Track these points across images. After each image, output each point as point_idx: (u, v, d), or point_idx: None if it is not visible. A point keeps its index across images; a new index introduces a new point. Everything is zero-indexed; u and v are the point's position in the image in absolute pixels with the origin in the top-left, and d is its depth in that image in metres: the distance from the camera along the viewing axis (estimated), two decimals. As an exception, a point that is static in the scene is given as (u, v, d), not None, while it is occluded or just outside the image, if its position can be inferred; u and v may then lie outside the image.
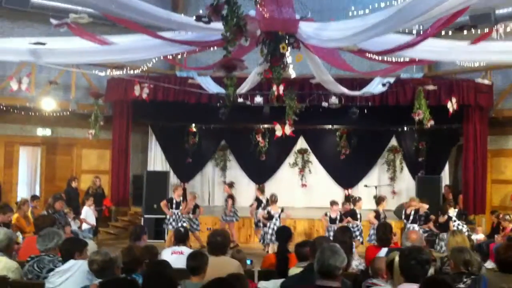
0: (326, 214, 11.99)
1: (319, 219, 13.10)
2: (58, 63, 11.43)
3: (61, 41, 8.56)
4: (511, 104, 13.92)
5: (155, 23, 7.30)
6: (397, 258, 4.34)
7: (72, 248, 5.19)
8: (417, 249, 4.08)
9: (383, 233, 6.40)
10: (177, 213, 12.45)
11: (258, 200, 13.11)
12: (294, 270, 5.40)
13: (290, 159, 17.60)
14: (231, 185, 14.15)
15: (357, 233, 11.58)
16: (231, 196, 13.60)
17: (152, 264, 4.95)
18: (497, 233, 11.43)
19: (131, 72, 13.52)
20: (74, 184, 13.67)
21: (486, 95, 13.64)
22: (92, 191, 13.71)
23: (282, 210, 12.18)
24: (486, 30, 7.68)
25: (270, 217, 12.04)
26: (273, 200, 12.31)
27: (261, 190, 13.39)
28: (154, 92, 13.57)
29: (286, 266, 6.15)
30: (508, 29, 7.35)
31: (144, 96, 13.19)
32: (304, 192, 17.24)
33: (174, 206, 12.52)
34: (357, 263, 6.28)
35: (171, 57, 10.28)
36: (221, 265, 5.18)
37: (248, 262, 6.68)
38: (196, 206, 12.91)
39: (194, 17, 5.74)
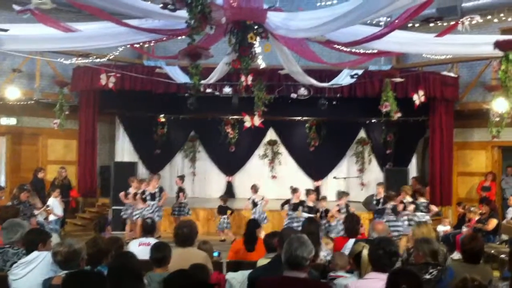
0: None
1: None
2: (22, 50, 11.16)
3: (24, 28, 8.34)
4: (476, 97, 14.16)
5: (121, 10, 7.15)
6: (365, 250, 4.36)
7: (35, 239, 5.10)
8: (386, 240, 4.12)
9: (350, 224, 6.43)
10: (153, 205, 12.37)
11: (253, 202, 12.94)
12: (262, 261, 5.39)
13: (260, 150, 17.62)
14: (182, 178, 14.01)
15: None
16: (181, 190, 13.52)
17: (117, 256, 4.87)
18: (463, 224, 11.64)
19: (97, 60, 13.32)
20: (40, 175, 13.42)
21: (452, 88, 13.86)
22: (58, 182, 13.47)
23: (262, 198, 12.79)
24: (452, 22, 7.75)
25: (254, 204, 12.63)
26: (255, 189, 12.94)
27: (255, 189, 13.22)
28: (121, 81, 13.37)
29: (254, 243, 6.23)
30: (474, 22, 7.44)
31: (111, 85, 13.00)
32: (274, 183, 17.27)
33: (148, 197, 12.44)
34: (325, 254, 6.30)
35: (138, 45, 10.13)
36: (188, 257, 5.15)
37: (216, 254, 6.66)
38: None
39: (161, 4, 5.63)
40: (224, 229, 12.87)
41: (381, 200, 11.85)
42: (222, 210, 13.06)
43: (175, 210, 13.30)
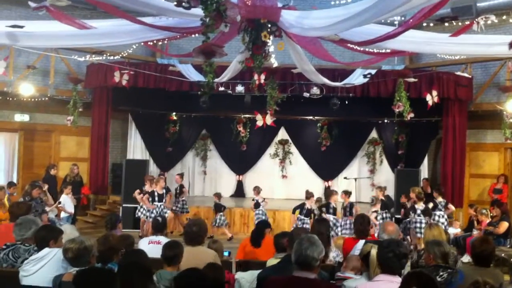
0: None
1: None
2: (37, 47, 11.23)
3: (39, 25, 8.40)
4: (490, 98, 14.03)
5: (135, 7, 7.17)
6: (373, 251, 4.33)
7: (47, 236, 5.11)
8: (396, 242, 4.08)
9: (361, 225, 6.39)
10: (160, 206, 12.37)
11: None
12: (272, 261, 5.39)
13: (271, 149, 17.59)
14: (181, 175, 14.00)
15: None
16: (183, 187, 13.55)
17: (127, 253, 4.89)
18: (474, 227, 11.54)
19: (111, 58, 13.37)
20: (53, 172, 13.46)
21: (466, 89, 13.73)
22: (70, 179, 13.50)
23: (263, 200, 12.79)
24: (467, 22, 7.68)
25: (257, 205, 12.60)
26: (258, 191, 12.89)
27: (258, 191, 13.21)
28: (135, 79, 13.44)
29: (260, 238, 6.23)
30: (489, 22, 7.36)
31: (124, 82, 13.08)
32: (284, 183, 17.25)
33: (157, 198, 12.44)
34: (334, 255, 6.28)
35: (152, 43, 10.15)
36: (197, 255, 5.15)
37: (226, 253, 6.66)
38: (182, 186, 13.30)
39: (175, 2, 5.63)
40: (221, 226, 12.92)
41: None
42: (217, 207, 13.09)
43: (177, 208, 13.31)
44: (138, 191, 12.64)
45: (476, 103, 14.23)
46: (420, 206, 11.23)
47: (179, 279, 3.70)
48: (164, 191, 12.62)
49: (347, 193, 11.95)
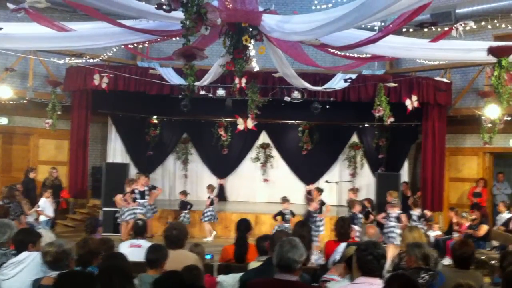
0: None
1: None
2: (15, 49, 11.10)
3: (18, 27, 8.30)
4: (469, 103, 14.21)
5: (115, 10, 7.12)
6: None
7: (25, 239, 5.06)
8: (373, 244, 4.10)
9: (342, 228, 6.41)
10: (144, 203, 12.32)
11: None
12: (254, 264, 5.39)
13: (252, 153, 17.60)
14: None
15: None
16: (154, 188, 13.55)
17: (107, 257, 4.84)
18: (453, 230, 11.66)
19: (91, 60, 13.27)
20: (32, 175, 13.36)
21: (445, 94, 13.90)
22: (49, 182, 13.41)
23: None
24: (446, 28, 7.77)
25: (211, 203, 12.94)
26: (212, 189, 13.68)
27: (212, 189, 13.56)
28: (115, 82, 13.37)
29: (244, 254, 6.15)
30: (468, 28, 7.46)
31: (104, 85, 12.99)
32: (266, 187, 17.26)
33: (138, 196, 12.38)
34: (316, 258, 6.29)
35: (132, 46, 10.11)
36: (178, 258, 5.11)
37: (209, 256, 6.63)
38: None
39: (155, 5, 5.61)
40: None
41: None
42: (183, 206, 13.19)
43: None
44: (120, 196, 12.52)
45: (455, 108, 14.40)
46: (416, 212, 11.26)
47: (158, 282, 3.68)
48: (146, 188, 12.54)
49: (319, 190, 11.95)
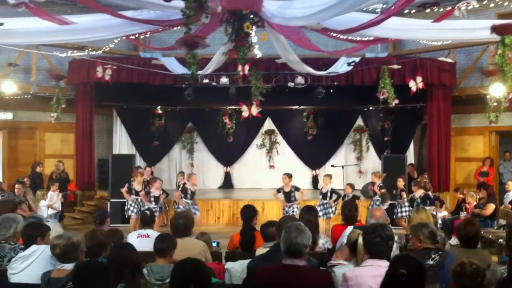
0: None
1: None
2: (17, 44, 11.11)
3: (19, 21, 8.30)
4: (473, 83, 14.13)
5: (115, 1, 7.12)
6: (360, 238, 4.35)
7: (33, 233, 5.08)
8: (381, 226, 4.10)
9: (349, 211, 6.41)
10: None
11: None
12: (261, 250, 5.40)
13: (258, 140, 17.61)
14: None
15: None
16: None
17: (116, 248, 4.87)
18: (461, 210, 11.65)
19: (93, 53, 13.26)
20: (39, 169, 13.43)
21: (449, 74, 13.83)
22: (55, 175, 13.44)
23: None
24: (449, 8, 7.71)
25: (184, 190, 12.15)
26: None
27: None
28: (118, 73, 13.35)
29: (252, 243, 6.16)
30: (470, 7, 7.40)
31: (107, 77, 12.99)
32: (272, 173, 17.26)
33: (153, 199, 12.18)
34: (323, 242, 6.30)
35: (134, 37, 10.09)
36: (186, 246, 5.16)
37: (215, 244, 6.66)
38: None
39: (155, -5, 5.61)
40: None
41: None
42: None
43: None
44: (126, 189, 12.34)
45: (459, 88, 14.33)
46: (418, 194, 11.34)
47: (177, 270, 3.68)
48: (161, 192, 12.27)
49: (290, 176, 11.81)
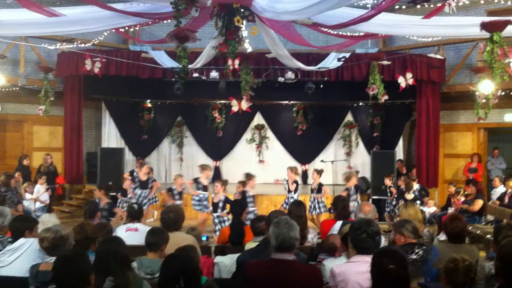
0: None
1: (277, 194, 13.21)
2: (5, 36, 11.01)
3: (7, 13, 8.23)
4: (462, 79, 14.21)
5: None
6: None
7: (21, 226, 5.07)
8: (367, 222, 4.10)
9: (343, 209, 6.41)
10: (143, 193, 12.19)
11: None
12: (250, 244, 5.41)
13: (247, 135, 17.59)
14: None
15: None
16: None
17: (104, 241, 4.84)
18: (450, 205, 11.74)
19: (82, 45, 13.16)
20: (25, 162, 13.32)
21: (439, 70, 13.87)
22: (43, 169, 13.37)
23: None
24: (439, 4, 7.74)
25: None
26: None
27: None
28: (107, 66, 13.26)
29: (241, 237, 6.18)
30: (460, 4, 7.44)
31: (96, 70, 12.90)
32: (262, 168, 17.26)
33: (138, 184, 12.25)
34: (312, 236, 6.31)
35: (123, 30, 10.03)
36: (176, 241, 5.13)
37: (204, 238, 6.66)
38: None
39: (146, -13, 5.57)
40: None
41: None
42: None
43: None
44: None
45: (449, 84, 14.40)
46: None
47: (165, 264, 3.67)
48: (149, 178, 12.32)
49: (319, 172, 11.91)
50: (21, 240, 4.86)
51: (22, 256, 4.75)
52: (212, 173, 12.18)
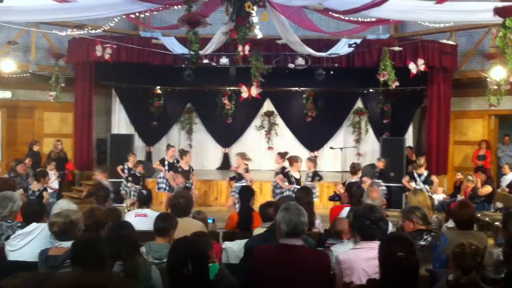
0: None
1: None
2: (17, 22, 11.04)
3: (19, -1, 8.25)
4: (474, 66, 14.06)
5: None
6: None
7: (40, 210, 5.17)
8: (370, 208, 4.08)
9: (355, 191, 6.41)
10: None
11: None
12: (258, 230, 5.42)
13: (257, 121, 17.58)
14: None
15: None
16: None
17: (114, 226, 4.87)
18: (459, 192, 11.69)
19: (93, 32, 13.17)
20: (36, 148, 13.41)
21: (451, 57, 13.74)
22: (54, 155, 13.45)
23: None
24: (452, -11, 7.66)
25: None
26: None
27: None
28: (117, 53, 13.30)
29: (249, 223, 6.20)
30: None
31: (107, 56, 12.94)
32: (271, 155, 17.23)
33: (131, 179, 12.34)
34: (318, 222, 6.33)
35: (134, 16, 10.02)
36: (185, 226, 5.15)
37: (210, 220, 6.71)
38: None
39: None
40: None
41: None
42: None
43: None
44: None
45: (460, 71, 14.27)
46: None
47: (173, 249, 3.69)
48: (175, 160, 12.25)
49: (312, 160, 11.82)
50: (33, 225, 4.88)
51: (33, 241, 4.77)
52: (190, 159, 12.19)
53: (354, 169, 11.13)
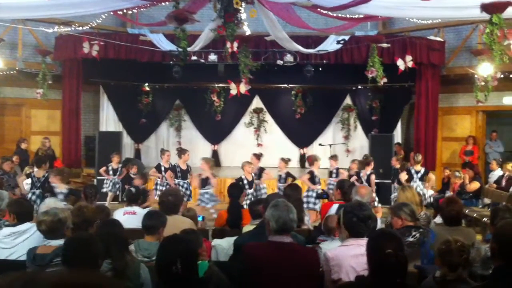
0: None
1: (274, 178, 13.19)
2: (3, 19, 10.94)
3: (4, -5, 8.17)
4: (462, 62, 14.14)
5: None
6: None
7: (30, 211, 5.10)
8: (358, 205, 4.06)
9: (348, 190, 6.39)
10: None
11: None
12: (248, 227, 5.42)
13: (246, 118, 17.55)
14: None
15: None
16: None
17: (103, 224, 4.85)
18: (447, 189, 11.75)
19: (80, 28, 13.09)
20: (23, 146, 13.33)
21: (438, 53, 13.82)
22: (42, 152, 13.36)
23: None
24: (439, -14, 7.69)
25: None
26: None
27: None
28: (105, 50, 13.23)
29: (239, 220, 6.19)
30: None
31: (94, 53, 12.86)
32: (260, 151, 17.24)
33: (111, 173, 12.32)
34: (307, 218, 6.35)
35: (121, 12, 9.97)
36: (174, 224, 5.14)
37: (200, 218, 6.70)
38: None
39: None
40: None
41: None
42: None
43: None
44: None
45: (448, 67, 14.35)
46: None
47: (163, 247, 3.68)
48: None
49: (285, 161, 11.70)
50: (28, 224, 4.87)
51: (28, 239, 4.78)
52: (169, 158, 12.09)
53: (367, 160, 11.12)
